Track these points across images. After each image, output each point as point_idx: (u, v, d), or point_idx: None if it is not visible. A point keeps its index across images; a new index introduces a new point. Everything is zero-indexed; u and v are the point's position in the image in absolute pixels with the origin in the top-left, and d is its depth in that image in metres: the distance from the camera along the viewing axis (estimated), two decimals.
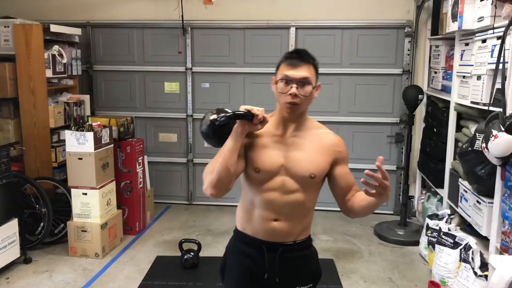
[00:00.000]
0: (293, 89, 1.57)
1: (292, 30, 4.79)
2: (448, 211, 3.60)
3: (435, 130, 4.09)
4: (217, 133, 1.61)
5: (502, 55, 2.58)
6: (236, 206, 1.82)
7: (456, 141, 3.65)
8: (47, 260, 3.76)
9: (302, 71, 1.59)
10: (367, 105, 4.83)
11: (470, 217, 3.13)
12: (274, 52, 4.78)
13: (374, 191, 1.49)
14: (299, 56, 1.61)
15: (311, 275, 1.79)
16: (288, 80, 1.58)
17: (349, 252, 3.97)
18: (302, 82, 1.58)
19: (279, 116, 1.67)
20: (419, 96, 4.11)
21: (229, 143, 1.55)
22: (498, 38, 2.75)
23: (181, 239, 3.77)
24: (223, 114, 1.55)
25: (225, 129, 1.57)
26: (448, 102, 3.78)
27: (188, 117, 5.08)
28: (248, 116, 1.54)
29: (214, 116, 1.59)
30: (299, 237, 1.71)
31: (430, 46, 4.48)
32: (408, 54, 4.70)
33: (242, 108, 1.54)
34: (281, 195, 1.62)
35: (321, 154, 1.65)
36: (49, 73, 4.07)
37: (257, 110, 1.53)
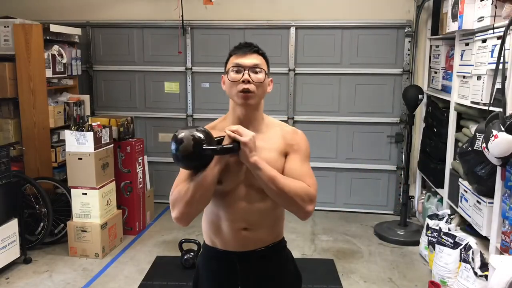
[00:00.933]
0: (246, 75, 1.50)
1: (292, 30, 4.79)
2: (448, 211, 3.60)
3: (435, 130, 4.09)
4: (195, 161, 1.41)
5: (502, 55, 2.58)
6: None
7: (456, 141, 3.65)
8: (47, 260, 3.76)
9: (253, 59, 1.53)
10: (367, 105, 4.83)
11: (470, 217, 3.13)
12: (274, 52, 4.79)
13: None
14: (248, 46, 1.57)
15: (290, 280, 1.71)
16: (239, 68, 1.52)
17: (349, 252, 3.97)
18: (254, 68, 1.52)
19: (234, 117, 1.57)
20: (419, 96, 4.11)
21: (213, 173, 1.42)
22: (498, 38, 2.75)
23: (181, 239, 3.77)
24: (208, 147, 1.37)
25: (207, 157, 1.41)
26: (448, 102, 3.78)
27: (188, 117, 5.08)
28: (236, 149, 1.40)
29: (196, 142, 1.37)
30: (272, 241, 1.63)
31: (430, 46, 4.48)
32: (408, 54, 4.70)
33: (227, 134, 1.41)
34: (247, 203, 1.53)
35: (279, 153, 1.56)
36: (49, 73, 4.07)
37: (246, 137, 1.40)
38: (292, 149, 1.58)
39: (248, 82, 1.50)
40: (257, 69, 1.53)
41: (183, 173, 1.51)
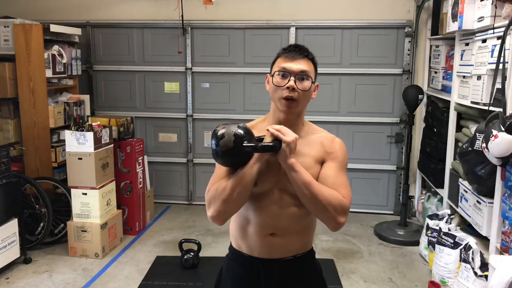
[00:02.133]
0: (291, 81, 1.45)
1: (292, 30, 4.79)
2: (448, 211, 3.60)
3: (435, 130, 4.09)
4: (235, 157, 1.40)
5: (502, 55, 2.58)
6: None
7: (456, 141, 3.65)
8: (47, 260, 3.76)
9: (301, 64, 1.48)
10: (367, 105, 4.83)
11: (470, 217, 3.13)
12: (274, 52, 4.69)
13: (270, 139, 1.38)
14: (299, 49, 1.52)
15: None
16: (285, 73, 1.47)
17: (349, 252, 3.97)
18: (301, 75, 1.47)
19: (274, 119, 1.53)
20: (419, 96, 4.11)
21: (252, 172, 1.39)
22: (498, 38, 2.75)
23: (181, 239, 3.77)
24: (249, 144, 1.36)
25: (247, 155, 1.40)
26: (448, 102, 3.78)
27: (188, 117, 5.08)
28: (277, 148, 1.38)
29: (237, 138, 1.36)
30: (300, 251, 1.59)
31: (430, 46, 4.48)
32: (408, 54, 4.70)
33: (270, 132, 1.38)
34: (278, 208, 1.50)
35: (316, 161, 1.51)
36: (49, 73, 4.07)
37: (289, 137, 1.36)
38: (330, 157, 1.53)
39: (293, 89, 1.45)
40: (304, 76, 1.48)
41: (220, 171, 1.48)
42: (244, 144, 1.36)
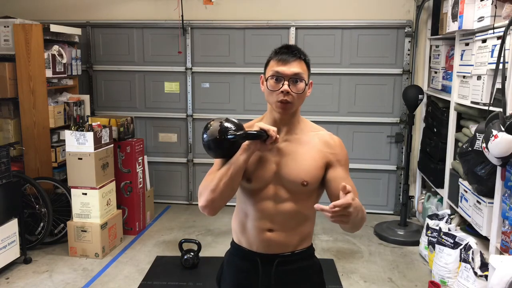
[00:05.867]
0: (285, 86, 1.46)
1: (292, 30, 4.79)
2: (448, 211, 3.60)
3: (435, 130, 4.09)
4: (222, 148, 1.46)
5: (502, 55, 2.58)
6: (235, 205, 1.76)
7: (456, 141, 3.65)
8: (47, 260, 3.76)
9: (294, 67, 1.48)
10: (367, 105, 4.83)
11: (470, 217, 3.13)
12: None
13: (332, 219, 1.29)
14: (290, 52, 1.51)
15: None
16: (279, 77, 1.48)
17: (349, 252, 3.97)
18: (294, 78, 1.48)
19: (270, 118, 1.57)
20: (419, 96, 4.11)
21: (238, 162, 1.43)
22: (498, 38, 2.75)
23: (181, 239, 3.77)
24: (234, 132, 1.42)
25: (233, 145, 1.45)
26: (448, 102, 3.78)
27: (188, 117, 5.09)
28: (263, 137, 1.42)
29: (222, 128, 1.43)
30: (298, 247, 1.60)
31: (430, 46, 4.48)
32: (408, 54, 4.70)
33: (257, 127, 1.43)
34: (274, 204, 1.53)
35: (314, 159, 1.52)
36: (49, 73, 4.07)
37: (273, 131, 1.41)
38: (336, 159, 1.55)
39: (287, 93, 1.47)
40: (298, 79, 1.49)
41: (215, 164, 1.54)
42: (228, 134, 1.43)
